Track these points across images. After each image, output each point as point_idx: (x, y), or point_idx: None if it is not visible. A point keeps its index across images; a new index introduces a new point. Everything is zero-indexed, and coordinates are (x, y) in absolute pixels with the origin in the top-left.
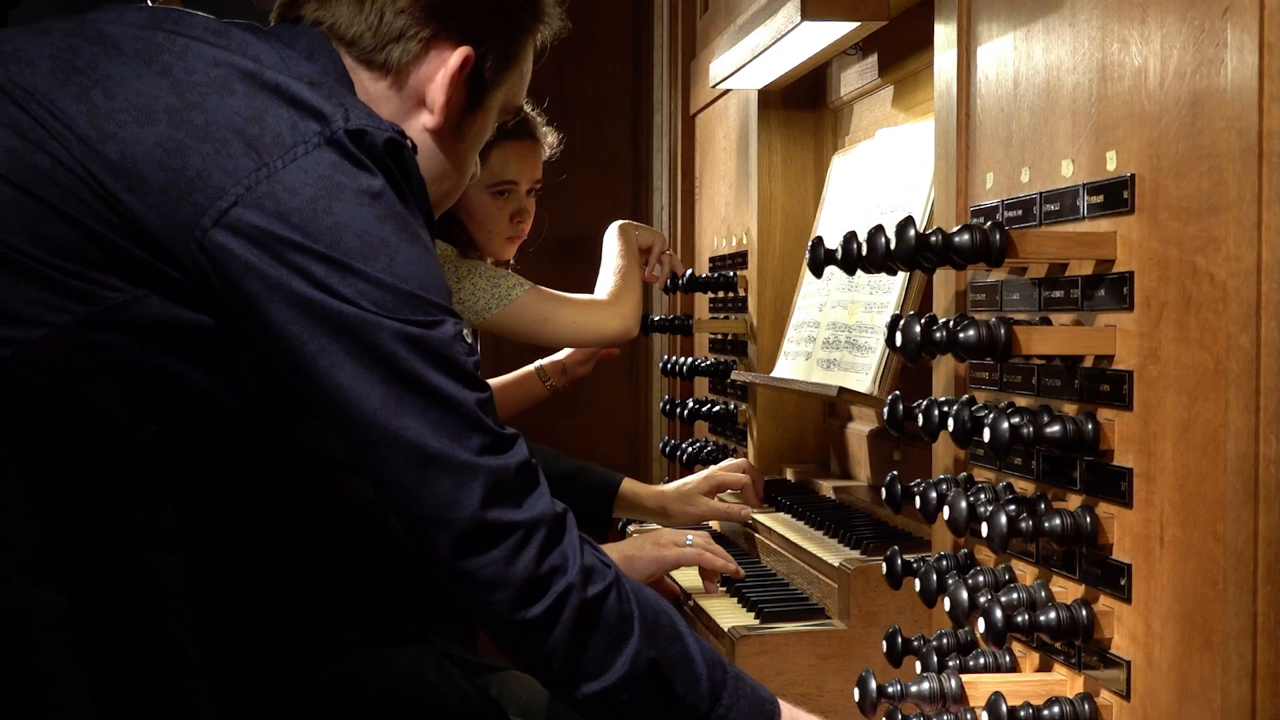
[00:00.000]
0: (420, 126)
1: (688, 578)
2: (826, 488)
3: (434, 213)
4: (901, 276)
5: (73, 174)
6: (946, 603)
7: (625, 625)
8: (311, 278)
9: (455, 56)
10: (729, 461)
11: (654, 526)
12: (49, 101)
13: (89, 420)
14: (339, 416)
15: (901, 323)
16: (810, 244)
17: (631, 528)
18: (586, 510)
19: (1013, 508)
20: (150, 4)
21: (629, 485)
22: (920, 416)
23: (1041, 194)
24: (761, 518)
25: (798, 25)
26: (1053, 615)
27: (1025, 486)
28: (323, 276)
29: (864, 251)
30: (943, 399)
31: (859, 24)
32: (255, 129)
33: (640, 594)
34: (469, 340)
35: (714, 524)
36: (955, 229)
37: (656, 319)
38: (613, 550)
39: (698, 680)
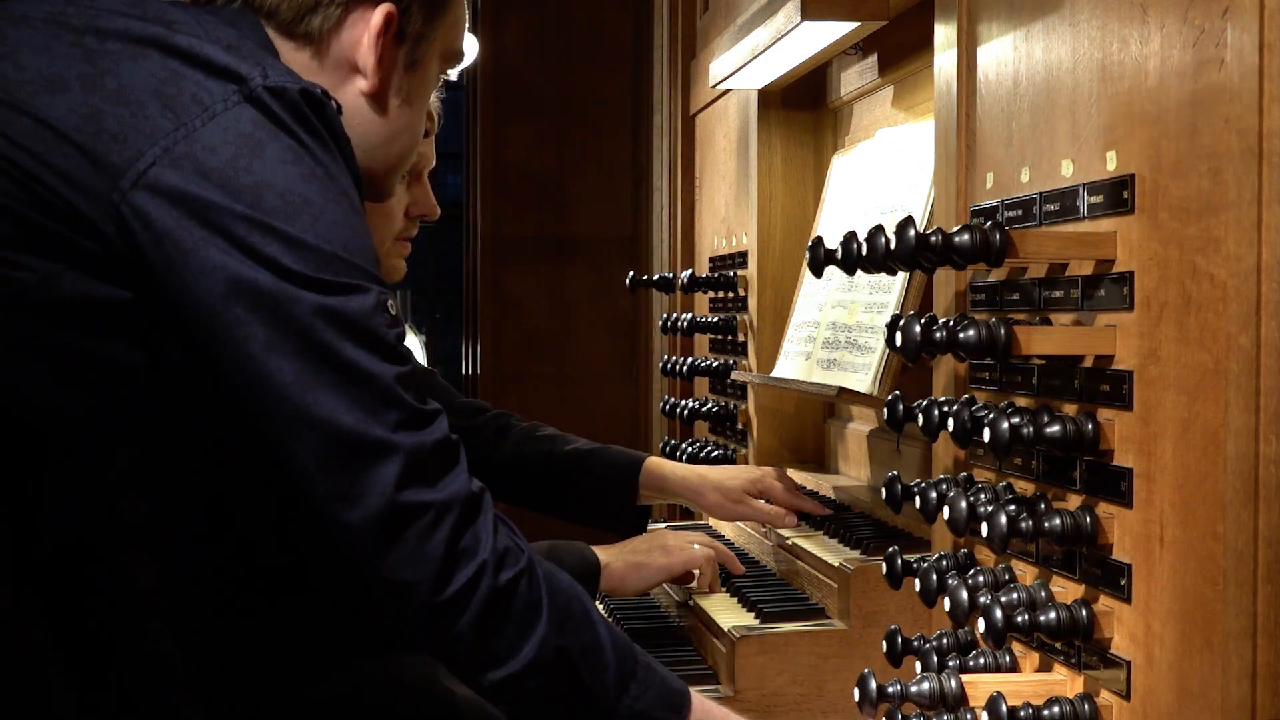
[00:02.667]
0: (356, 92)
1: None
2: (826, 488)
3: (388, 178)
4: (901, 276)
5: None
6: (946, 603)
7: (533, 612)
8: (232, 238)
9: (377, 16)
10: (777, 470)
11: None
12: None
13: (11, 406)
14: (251, 392)
15: (901, 323)
16: (810, 244)
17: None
18: (607, 489)
19: (1013, 508)
20: None
21: (655, 463)
22: (920, 416)
23: (1041, 194)
24: None
25: (798, 25)
26: (1053, 615)
27: (1025, 486)
28: (243, 236)
29: (864, 251)
30: (943, 399)
31: (859, 24)
32: (172, 89)
33: (553, 580)
34: (393, 311)
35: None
36: (955, 229)
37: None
38: (617, 556)
39: (605, 669)
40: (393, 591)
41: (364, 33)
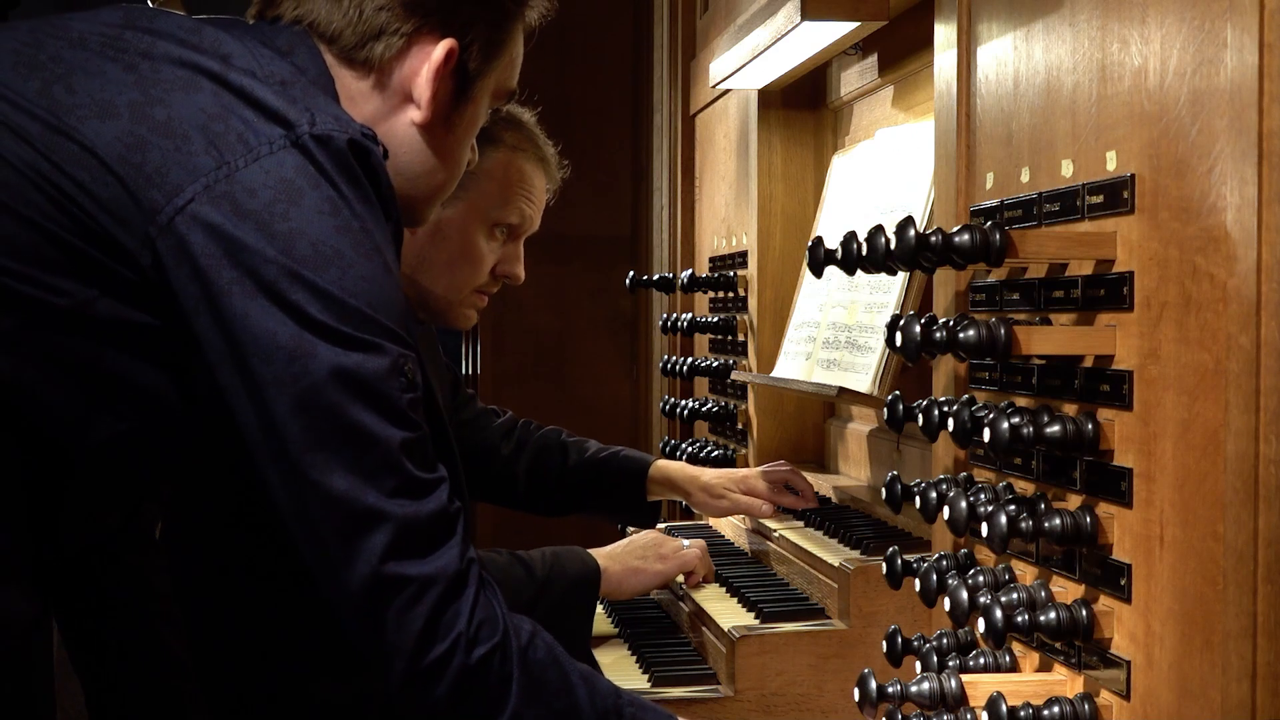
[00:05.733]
0: (407, 122)
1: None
2: (826, 488)
3: (427, 206)
4: (901, 276)
5: (21, 174)
6: (946, 603)
7: (504, 686)
8: (260, 281)
9: (439, 50)
10: (768, 467)
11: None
12: (11, 95)
13: (38, 424)
14: (256, 438)
15: (901, 323)
16: (810, 244)
17: (630, 529)
18: (621, 495)
19: (1013, 508)
20: (149, 2)
21: (659, 466)
22: (920, 416)
23: (1041, 194)
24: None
25: (798, 25)
26: (1053, 615)
27: (1025, 486)
28: (272, 280)
29: (864, 251)
30: (943, 399)
31: (859, 24)
32: (219, 126)
33: (529, 650)
34: (411, 375)
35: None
36: (955, 229)
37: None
38: (616, 561)
39: None
40: (371, 654)
41: (423, 64)
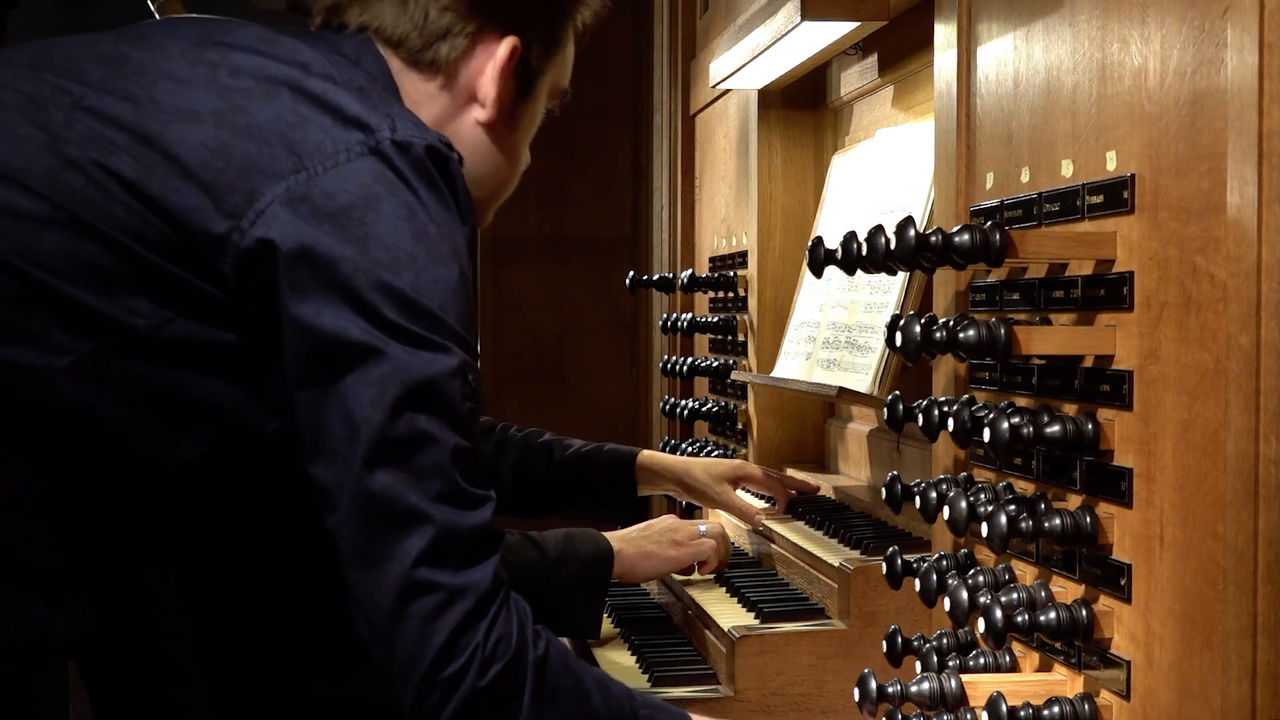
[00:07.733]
0: (472, 121)
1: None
2: (826, 488)
3: (491, 205)
4: (901, 276)
5: (105, 191)
6: (946, 603)
7: (515, 700)
8: (334, 283)
9: (503, 48)
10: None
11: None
12: (99, 109)
13: (122, 447)
14: (313, 432)
15: (901, 323)
16: (810, 244)
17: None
18: (608, 488)
19: (1013, 508)
20: (150, 5)
21: (648, 456)
22: (920, 416)
23: (1041, 194)
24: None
25: (798, 25)
26: (1053, 615)
27: (1025, 486)
28: (345, 280)
29: (864, 251)
30: (943, 399)
31: (859, 24)
32: (298, 134)
33: (544, 661)
34: (475, 382)
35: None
36: (955, 229)
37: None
38: (630, 544)
39: None
40: (386, 660)
41: (487, 63)
